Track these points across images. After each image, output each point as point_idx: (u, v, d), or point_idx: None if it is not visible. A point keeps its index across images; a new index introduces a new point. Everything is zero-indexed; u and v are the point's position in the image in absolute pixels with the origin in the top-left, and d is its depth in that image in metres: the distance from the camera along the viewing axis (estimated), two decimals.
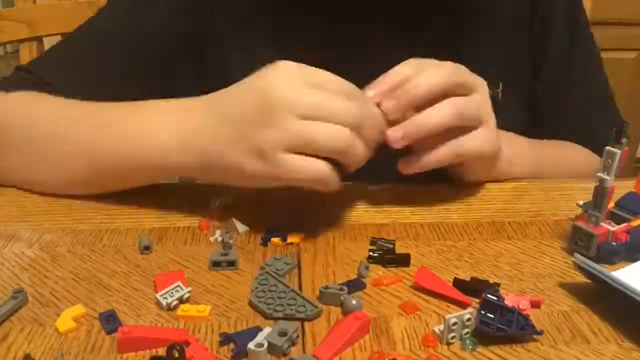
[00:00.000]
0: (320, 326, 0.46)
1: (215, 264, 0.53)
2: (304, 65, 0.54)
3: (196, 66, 0.75)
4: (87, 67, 0.72)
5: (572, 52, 0.82)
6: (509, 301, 0.45)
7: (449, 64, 0.59)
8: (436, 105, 0.57)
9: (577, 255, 0.50)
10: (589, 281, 0.51)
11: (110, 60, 0.72)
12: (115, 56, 0.72)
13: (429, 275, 0.51)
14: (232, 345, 0.44)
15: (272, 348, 0.43)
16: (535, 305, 0.48)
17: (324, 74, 0.54)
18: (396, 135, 0.56)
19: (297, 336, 0.44)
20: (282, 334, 0.43)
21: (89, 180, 0.63)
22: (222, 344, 0.44)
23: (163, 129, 0.58)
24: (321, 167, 0.53)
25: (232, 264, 0.53)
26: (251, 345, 0.42)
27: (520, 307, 0.46)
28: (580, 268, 0.49)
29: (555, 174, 0.74)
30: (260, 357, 0.42)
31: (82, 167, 0.62)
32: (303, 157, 0.52)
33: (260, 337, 0.43)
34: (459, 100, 0.58)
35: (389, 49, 0.62)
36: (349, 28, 0.72)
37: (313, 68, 0.54)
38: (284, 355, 0.43)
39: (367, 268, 0.53)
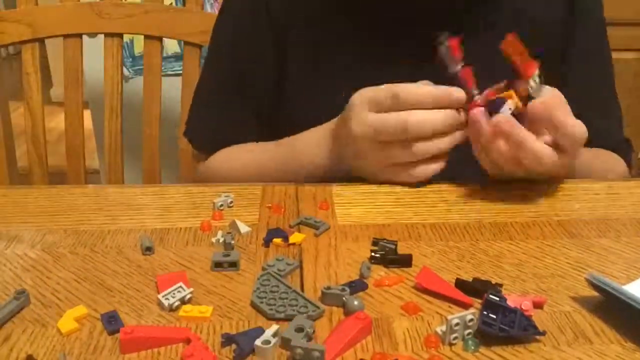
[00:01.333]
0: (322, 327, 0.46)
1: (217, 265, 0.53)
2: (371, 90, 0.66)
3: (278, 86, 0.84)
4: (226, 118, 0.86)
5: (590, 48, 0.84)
6: (511, 302, 0.45)
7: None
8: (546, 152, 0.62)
9: (591, 273, 0.49)
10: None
11: (238, 102, 0.85)
12: (239, 97, 0.85)
13: (431, 276, 0.51)
14: (234, 346, 0.44)
15: (287, 343, 0.43)
16: (538, 305, 0.48)
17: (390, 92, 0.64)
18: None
19: (314, 331, 0.44)
20: (299, 329, 0.43)
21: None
22: (224, 344, 0.44)
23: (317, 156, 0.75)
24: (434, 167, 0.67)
25: (233, 264, 0.53)
26: (258, 342, 0.42)
27: (523, 307, 0.46)
28: (593, 285, 0.49)
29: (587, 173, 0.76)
30: (267, 354, 0.42)
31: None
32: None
33: (268, 334, 0.43)
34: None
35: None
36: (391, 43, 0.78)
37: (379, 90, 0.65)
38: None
39: (369, 269, 0.53)
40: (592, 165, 0.77)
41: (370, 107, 0.65)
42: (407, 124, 0.63)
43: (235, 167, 0.83)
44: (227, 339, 0.44)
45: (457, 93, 0.64)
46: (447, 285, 0.50)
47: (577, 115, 0.64)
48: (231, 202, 0.65)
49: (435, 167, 0.67)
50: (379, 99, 0.64)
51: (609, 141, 0.83)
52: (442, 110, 0.64)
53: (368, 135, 0.65)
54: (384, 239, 0.57)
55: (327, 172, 0.73)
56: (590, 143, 0.65)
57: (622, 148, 0.85)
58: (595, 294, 0.50)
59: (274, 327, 0.44)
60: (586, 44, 0.83)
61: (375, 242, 0.57)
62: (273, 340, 0.43)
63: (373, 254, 0.54)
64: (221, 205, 0.64)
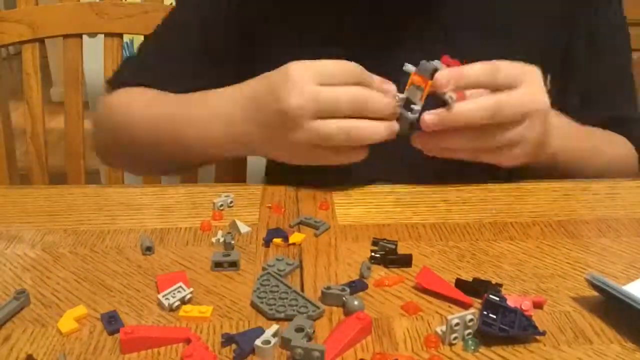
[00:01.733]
0: (322, 327, 0.46)
1: (217, 265, 0.53)
2: (309, 63, 0.61)
3: (248, 50, 0.79)
4: (173, 59, 0.80)
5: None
6: (511, 302, 0.45)
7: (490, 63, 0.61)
8: (474, 100, 0.60)
9: (591, 273, 0.49)
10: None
11: (190, 49, 0.80)
12: (193, 45, 0.80)
13: (431, 276, 0.51)
14: (234, 346, 0.44)
15: (287, 343, 0.43)
16: (538, 305, 0.48)
17: (327, 67, 0.60)
18: (431, 119, 0.60)
19: (314, 331, 0.44)
20: (299, 329, 0.43)
21: (161, 162, 0.75)
22: (224, 344, 0.44)
23: (212, 121, 0.67)
24: (354, 122, 0.60)
25: (234, 264, 0.53)
26: (258, 342, 0.42)
27: (523, 307, 0.46)
28: (593, 285, 0.49)
29: (593, 158, 0.75)
30: (267, 354, 0.42)
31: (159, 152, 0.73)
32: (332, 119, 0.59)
33: (268, 335, 0.43)
34: (494, 98, 0.61)
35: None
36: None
37: (319, 63, 0.60)
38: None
39: (369, 269, 0.53)
40: (601, 147, 0.76)
41: (316, 80, 0.59)
42: (360, 101, 0.59)
43: (129, 113, 0.74)
44: (227, 339, 0.44)
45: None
46: (447, 285, 0.50)
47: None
48: (231, 202, 0.65)
49: (363, 154, 0.63)
50: (328, 71, 0.60)
51: (625, 127, 0.81)
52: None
53: (307, 108, 0.59)
54: (384, 239, 0.57)
55: (223, 146, 0.67)
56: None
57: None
58: (595, 294, 0.50)
59: (274, 327, 0.44)
60: (597, 29, 0.82)
61: (375, 242, 0.57)
62: (273, 340, 0.43)
63: (373, 254, 0.54)
64: (221, 205, 0.64)
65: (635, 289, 0.48)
